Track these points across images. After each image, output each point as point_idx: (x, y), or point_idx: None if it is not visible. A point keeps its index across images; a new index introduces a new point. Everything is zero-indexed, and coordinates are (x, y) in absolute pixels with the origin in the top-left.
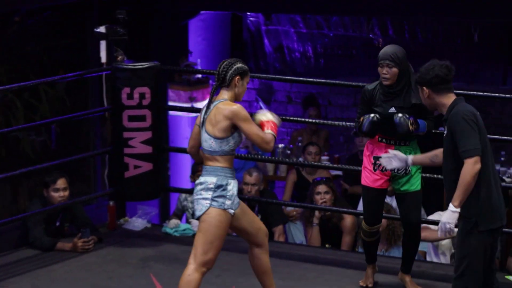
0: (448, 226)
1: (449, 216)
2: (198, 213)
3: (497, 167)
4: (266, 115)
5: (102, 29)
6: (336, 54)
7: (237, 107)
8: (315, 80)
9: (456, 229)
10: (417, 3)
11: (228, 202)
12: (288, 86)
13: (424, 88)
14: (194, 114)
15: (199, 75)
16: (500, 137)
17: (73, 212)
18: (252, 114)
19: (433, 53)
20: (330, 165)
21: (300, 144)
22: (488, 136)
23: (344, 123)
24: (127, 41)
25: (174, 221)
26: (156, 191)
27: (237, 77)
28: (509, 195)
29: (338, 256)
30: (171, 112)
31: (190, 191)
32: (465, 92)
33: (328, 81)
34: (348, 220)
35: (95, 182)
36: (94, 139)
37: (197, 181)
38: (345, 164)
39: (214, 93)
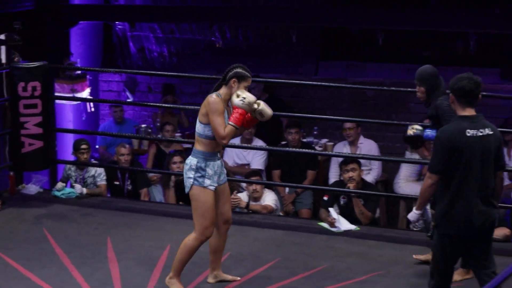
0: (411, 220)
1: (411, 215)
2: (186, 190)
3: (311, 139)
4: (240, 99)
5: (2, 36)
6: (186, 53)
7: (213, 99)
8: (169, 73)
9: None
10: (247, 12)
11: (207, 181)
12: (149, 78)
13: (451, 94)
14: (75, 102)
15: (79, 72)
16: (312, 115)
17: None
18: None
19: (261, 51)
20: (184, 139)
21: (158, 124)
22: (304, 115)
23: (193, 107)
24: (22, 45)
25: (60, 184)
26: (46, 163)
27: (234, 79)
28: (319, 160)
29: (189, 211)
30: (57, 101)
31: (73, 163)
32: (286, 81)
33: (180, 74)
34: None
35: None
36: None
37: (185, 162)
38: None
39: (216, 88)
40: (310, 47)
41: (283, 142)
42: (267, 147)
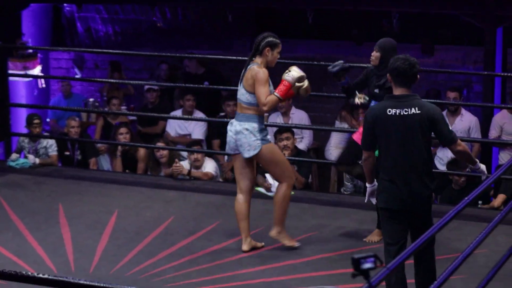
0: (367, 193)
1: (367, 190)
2: (253, 152)
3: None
4: (288, 74)
5: None
6: (130, 32)
7: (259, 70)
8: (115, 51)
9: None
10: None
11: (269, 137)
12: (95, 56)
13: (388, 74)
14: (27, 79)
15: (30, 51)
16: None
17: None
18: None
19: (200, 30)
20: (130, 112)
21: (105, 98)
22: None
23: (139, 82)
24: None
25: (14, 155)
26: (1, 136)
27: (267, 48)
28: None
29: (135, 178)
30: (10, 78)
31: (26, 135)
32: (224, 57)
33: (124, 51)
34: (141, 152)
35: None
36: None
37: (241, 127)
38: (137, 111)
39: (251, 58)
40: (245, 25)
41: (222, 114)
42: (207, 118)
